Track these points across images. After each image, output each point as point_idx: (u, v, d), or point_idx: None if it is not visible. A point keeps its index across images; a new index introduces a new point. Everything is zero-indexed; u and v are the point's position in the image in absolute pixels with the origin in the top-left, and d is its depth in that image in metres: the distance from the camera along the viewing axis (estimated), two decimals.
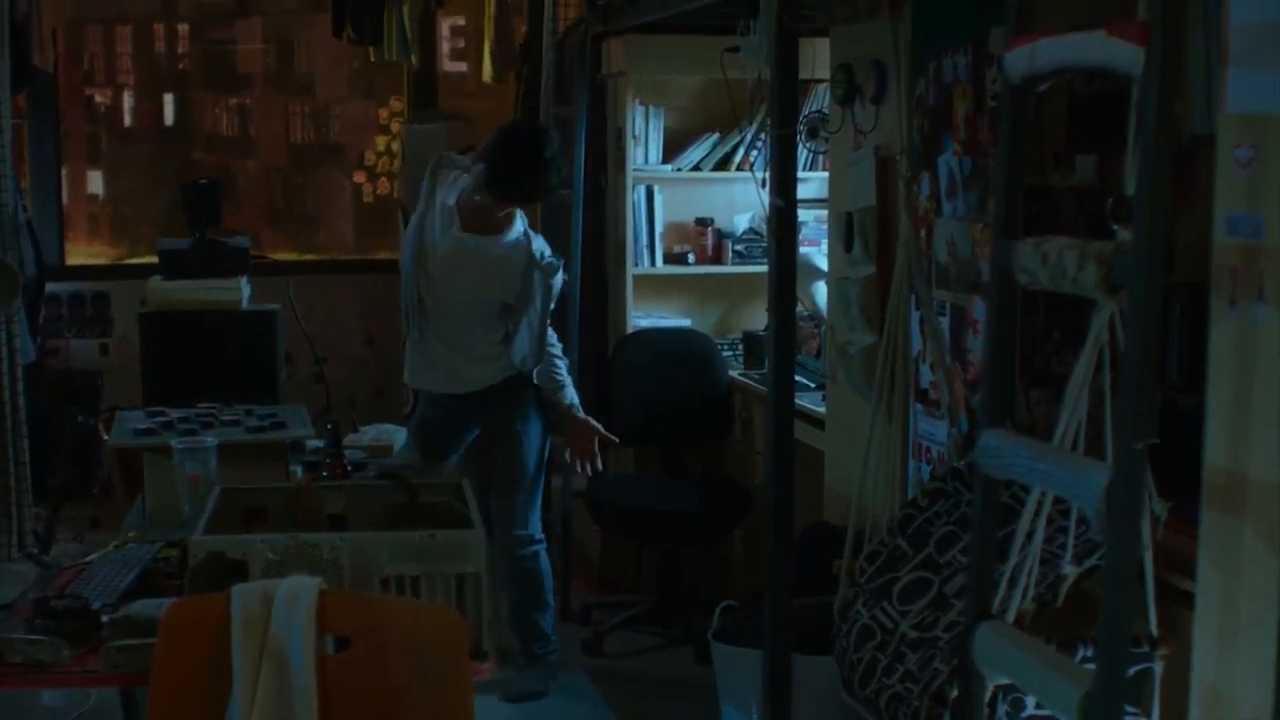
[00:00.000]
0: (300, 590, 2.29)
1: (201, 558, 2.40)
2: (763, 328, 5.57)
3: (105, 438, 3.86)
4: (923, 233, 3.47)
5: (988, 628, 2.33)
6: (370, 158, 7.68)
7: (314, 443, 3.75)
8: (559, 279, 4.48)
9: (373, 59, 6.79)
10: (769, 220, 3.45)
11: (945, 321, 3.43)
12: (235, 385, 4.62)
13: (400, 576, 2.45)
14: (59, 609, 2.51)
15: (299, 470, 3.52)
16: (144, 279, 5.95)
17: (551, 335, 4.52)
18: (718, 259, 5.70)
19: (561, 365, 4.56)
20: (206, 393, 4.14)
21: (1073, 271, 2.09)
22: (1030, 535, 2.43)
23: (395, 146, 7.37)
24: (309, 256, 7.62)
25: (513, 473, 4.51)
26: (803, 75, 3.42)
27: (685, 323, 5.70)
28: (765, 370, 5.28)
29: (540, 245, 4.45)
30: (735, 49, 3.52)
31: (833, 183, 4.22)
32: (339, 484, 2.87)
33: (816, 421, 4.37)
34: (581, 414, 4.57)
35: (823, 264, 4.94)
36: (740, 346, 5.60)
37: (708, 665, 4.12)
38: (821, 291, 5.05)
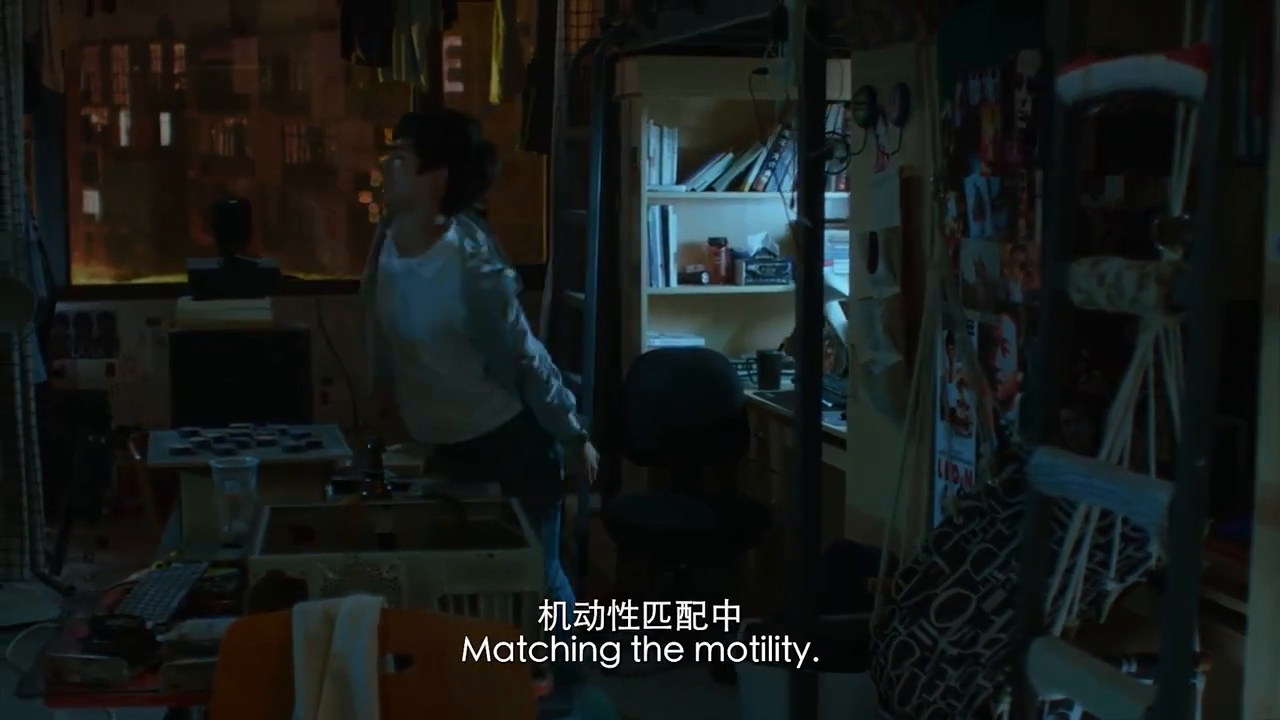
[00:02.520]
0: (362, 609, 2.30)
1: (261, 576, 2.41)
2: (776, 347, 5.62)
3: (137, 457, 3.86)
4: (949, 252, 3.49)
5: (1041, 644, 2.36)
6: (376, 178, 7.69)
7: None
8: (509, 282, 3.82)
9: (381, 79, 6.79)
10: (796, 240, 3.47)
11: (973, 341, 3.46)
12: (265, 405, 4.62)
13: (458, 595, 2.46)
14: (115, 628, 2.51)
15: (330, 490, 3.52)
16: (151, 299, 5.93)
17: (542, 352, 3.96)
18: (731, 279, 5.75)
19: (557, 388, 3.97)
20: (234, 412, 4.15)
21: (1131, 291, 2.11)
22: (1076, 551, 2.46)
23: None
24: (314, 276, 7.62)
25: None
26: None
27: (699, 342, 5.73)
28: (780, 389, 5.35)
29: (471, 246, 3.81)
30: (763, 70, 3.54)
31: (855, 203, 4.24)
32: (387, 503, 2.88)
33: (836, 440, 4.38)
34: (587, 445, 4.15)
35: (838, 284, 4.97)
36: (754, 366, 5.62)
37: (727, 684, 4.14)
38: (837, 311, 5.08)
